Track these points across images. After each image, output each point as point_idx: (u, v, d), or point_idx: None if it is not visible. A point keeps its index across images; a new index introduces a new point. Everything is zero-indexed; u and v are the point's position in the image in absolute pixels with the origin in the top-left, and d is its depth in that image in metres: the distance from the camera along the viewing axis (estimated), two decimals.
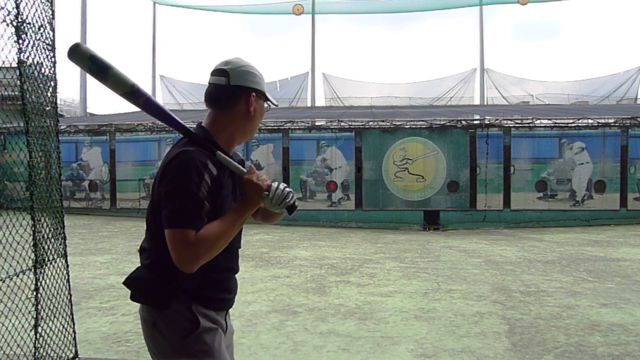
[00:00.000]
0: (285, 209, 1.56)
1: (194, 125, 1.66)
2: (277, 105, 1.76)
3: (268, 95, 1.66)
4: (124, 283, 1.55)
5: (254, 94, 1.59)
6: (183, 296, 1.51)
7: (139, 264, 1.60)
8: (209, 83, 1.62)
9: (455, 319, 4.43)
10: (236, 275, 1.76)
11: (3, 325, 2.86)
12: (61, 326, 3.12)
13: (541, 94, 25.36)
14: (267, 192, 1.51)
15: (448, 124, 12.29)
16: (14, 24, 2.67)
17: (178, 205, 1.42)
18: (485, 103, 24.66)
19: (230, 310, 1.76)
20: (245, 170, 1.55)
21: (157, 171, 1.56)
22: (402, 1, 26.40)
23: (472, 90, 25.88)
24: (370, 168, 12.32)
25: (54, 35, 3.03)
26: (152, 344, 1.57)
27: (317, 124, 13.48)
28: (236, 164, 1.58)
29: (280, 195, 1.51)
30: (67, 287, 3.21)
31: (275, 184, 1.53)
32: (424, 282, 5.97)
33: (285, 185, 1.55)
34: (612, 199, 12.00)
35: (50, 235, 3.04)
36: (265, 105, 1.68)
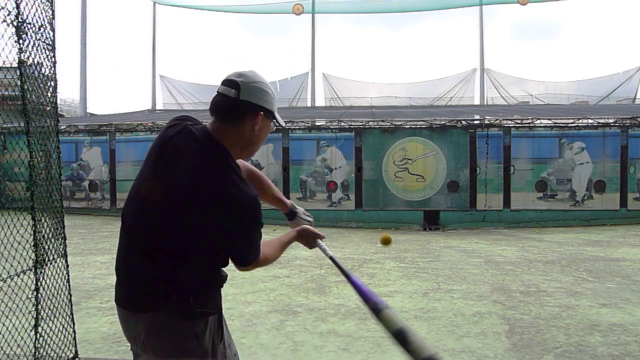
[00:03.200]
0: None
1: (200, 126, 1.59)
2: (284, 127, 1.79)
3: (277, 116, 1.60)
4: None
5: (262, 112, 1.53)
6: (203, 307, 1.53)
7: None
8: (217, 92, 1.55)
9: (455, 319, 4.43)
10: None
11: (3, 325, 2.86)
12: (61, 326, 3.12)
13: (541, 94, 25.35)
14: (320, 240, 1.89)
15: (448, 124, 12.29)
16: (14, 24, 2.67)
17: (254, 241, 1.53)
18: (485, 103, 24.66)
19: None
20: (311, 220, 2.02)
21: (193, 188, 1.43)
22: (402, 1, 26.39)
23: (472, 90, 25.88)
24: (370, 168, 12.32)
25: (54, 35, 3.03)
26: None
27: (317, 124, 13.48)
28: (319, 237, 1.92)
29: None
30: (67, 287, 3.21)
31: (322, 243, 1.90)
32: (424, 282, 5.97)
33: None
34: (612, 199, 12.00)
35: (50, 235, 3.04)
36: (272, 125, 1.63)
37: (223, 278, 1.58)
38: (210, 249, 1.48)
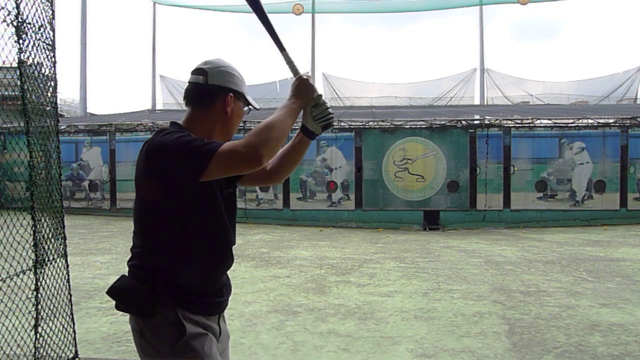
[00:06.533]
0: (324, 121, 1.62)
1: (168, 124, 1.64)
2: (258, 109, 1.73)
3: (248, 98, 1.65)
4: (107, 293, 1.52)
5: (231, 94, 1.59)
6: (169, 302, 1.47)
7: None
8: (188, 82, 1.62)
9: (455, 319, 4.43)
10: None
11: (3, 325, 2.86)
12: (61, 326, 3.12)
13: (541, 94, 25.35)
14: (320, 94, 1.60)
15: (448, 124, 12.29)
16: (14, 24, 2.67)
17: (193, 148, 1.39)
18: (485, 103, 24.66)
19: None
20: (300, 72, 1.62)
21: (137, 165, 1.53)
22: (402, 1, 26.39)
23: (472, 90, 25.89)
24: (370, 168, 12.32)
25: (54, 35, 3.03)
26: (141, 353, 1.53)
27: None
28: (295, 64, 1.62)
29: (326, 106, 1.61)
30: (67, 287, 3.22)
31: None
32: (424, 282, 5.97)
33: None
34: (612, 199, 11.99)
35: (50, 235, 3.04)
36: (246, 108, 1.67)
37: None
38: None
